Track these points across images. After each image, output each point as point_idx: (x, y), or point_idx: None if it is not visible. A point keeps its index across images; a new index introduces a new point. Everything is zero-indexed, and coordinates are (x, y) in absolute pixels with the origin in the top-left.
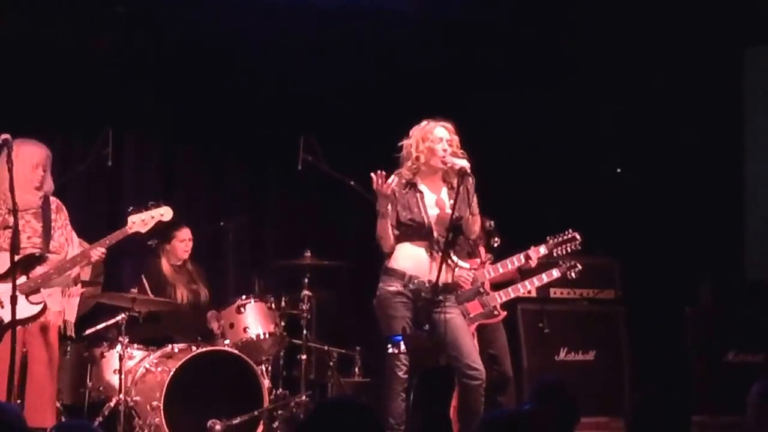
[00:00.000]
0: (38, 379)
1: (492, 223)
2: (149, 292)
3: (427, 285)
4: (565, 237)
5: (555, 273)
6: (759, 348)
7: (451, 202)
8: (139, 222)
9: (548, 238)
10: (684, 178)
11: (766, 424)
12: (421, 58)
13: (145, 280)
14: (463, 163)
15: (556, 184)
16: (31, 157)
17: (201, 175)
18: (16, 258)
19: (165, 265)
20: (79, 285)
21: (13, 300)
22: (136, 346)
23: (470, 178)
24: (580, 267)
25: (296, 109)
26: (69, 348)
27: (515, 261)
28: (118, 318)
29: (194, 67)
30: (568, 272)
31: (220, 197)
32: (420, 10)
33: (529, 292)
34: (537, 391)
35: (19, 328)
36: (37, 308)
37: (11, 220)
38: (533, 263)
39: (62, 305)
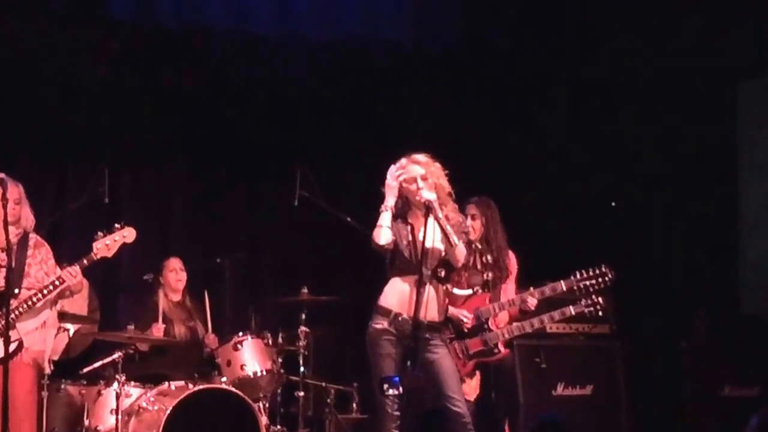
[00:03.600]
0: (15, 419)
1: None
2: (141, 328)
3: (410, 323)
4: (595, 273)
5: (572, 310)
6: (754, 381)
7: (440, 234)
8: (103, 246)
9: (574, 273)
10: (679, 211)
11: None
12: (416, 89)
13: (138, 318)
14: (429, 196)
15: (549, 218)
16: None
17: (197, 211)
18: None
19: (162, 301)
20: (55, 315)
21: (6, 338)
22: (132, 383)
23: (436, 211)
24: (602, 304)
25: (292, 144)
26: (62, 386)
27: (528, 297)
28: (115, 356)
29: (189, 102)
30: (588, 310)
31: (216, 233)
32: (414, 41)
33: (543, 329)
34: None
35: None
36: (12, 346)
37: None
38: (532, 306)
39: (43, 344)
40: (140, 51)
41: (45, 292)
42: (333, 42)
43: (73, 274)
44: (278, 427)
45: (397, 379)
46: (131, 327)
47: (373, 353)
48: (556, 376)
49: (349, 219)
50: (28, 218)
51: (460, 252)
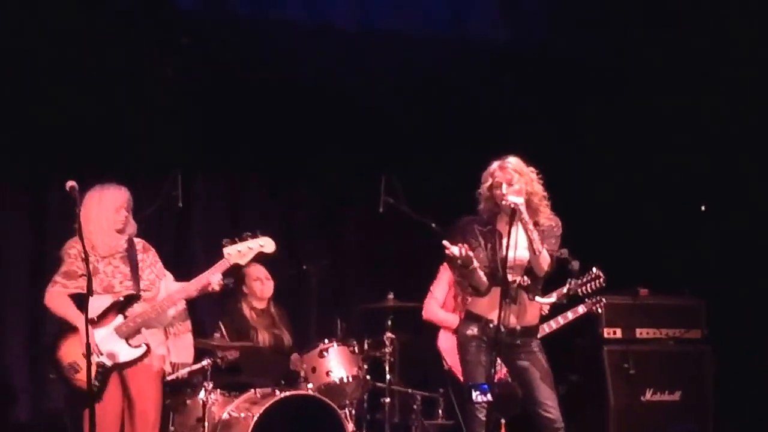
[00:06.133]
0: (143, 426)
1: (575, 264)
2: (227, 336)
3: (502, 329)
4: (590, 277)
5: (580, 309)
6: None
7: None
8: (236, 253)
9: (570, 280)
10: None
11: None
12: (505, 94)
13: (223, 325)
14: (516, 200)
15: (639, 223)
16: (113, 201)
17: (278, 218)
18: (113, 300)
19: (246, 309)
20: (188, 322)
21: (87, 347)
22: (219, 391)
23: (523, 215)
24: (604, 301)
25: (377, 149)
26: None
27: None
28: (203, 363)
29: (266, 105)
30: (594, 308)
31: (300, 240)
32: (505, 40)
33: (553, 330)
34: None
35: (122, 372)
36: (139, 351)
37: (101, 266)
38: (546, 310)
39: (165, 349)
40: (212, 45)
41: (167, 304)
42: (418, 40)
43: (217, 281)
44: None
45: (485, 386)
46: (217, 335)
47: (462, 359)
48: (645, 381)
49: (434, 225)
50: (134, 225)
51: (544, 260)
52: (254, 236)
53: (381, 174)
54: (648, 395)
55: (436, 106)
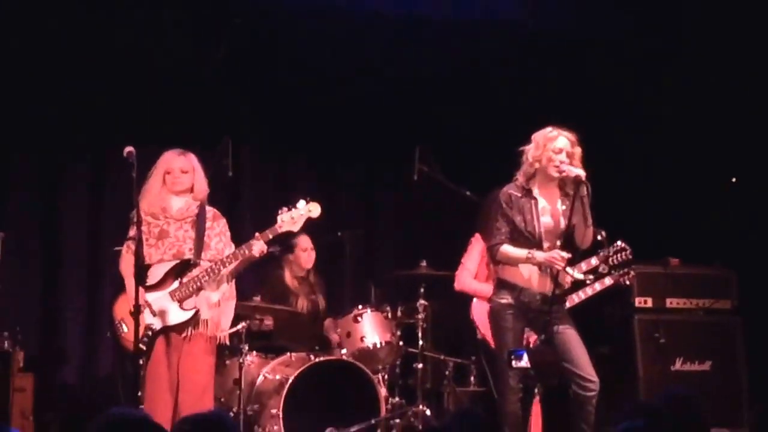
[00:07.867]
0: (192, 390)
1: (603, 233)
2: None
3: (537, 297)
4: (616, 248)
5: (607, 281)
6: None
7: (564, 209)
8: (289, 220)
9: (599, 251)
10: None
11: None
12: (532, 67)
13: (261, 293)
14: (579, 171)
15: (670, 194)
16: (162, 164)
17: (317, 186)
18: (171, 265)
19: (288, 277)
20: (233, 287)
21: (136, 309)
22: (255, 354)
23: (585, 188)
24: (632, 274)
25: (411, 119)
26: None
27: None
28: (239, 327)
29: (309, 78)
30: (622, 279)
31: (336, 208)
32: (532, 20)
33: (581, 300)
34: (663, 402)
35: (173, 335)
36: (188, 314)
37: (171, 229)
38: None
39: (218, 315)
40: (261, 27)
41: (227, 261)
42: (452, 19)
43: (261, 247)
44: (397, 399)
45: (522, 352)
46: (257, 298)
47: (497, 327)
48: (675, 351)
49: (468, 193)
50: (203, 189)
51: (591, 233)
52: (305, 203)
53: (416, 143)
54: (678, 365)
55: (469, 81)
